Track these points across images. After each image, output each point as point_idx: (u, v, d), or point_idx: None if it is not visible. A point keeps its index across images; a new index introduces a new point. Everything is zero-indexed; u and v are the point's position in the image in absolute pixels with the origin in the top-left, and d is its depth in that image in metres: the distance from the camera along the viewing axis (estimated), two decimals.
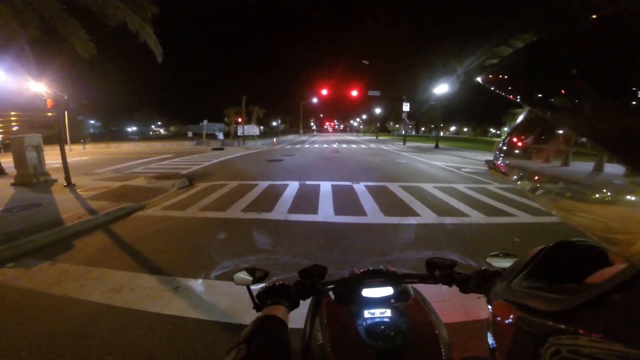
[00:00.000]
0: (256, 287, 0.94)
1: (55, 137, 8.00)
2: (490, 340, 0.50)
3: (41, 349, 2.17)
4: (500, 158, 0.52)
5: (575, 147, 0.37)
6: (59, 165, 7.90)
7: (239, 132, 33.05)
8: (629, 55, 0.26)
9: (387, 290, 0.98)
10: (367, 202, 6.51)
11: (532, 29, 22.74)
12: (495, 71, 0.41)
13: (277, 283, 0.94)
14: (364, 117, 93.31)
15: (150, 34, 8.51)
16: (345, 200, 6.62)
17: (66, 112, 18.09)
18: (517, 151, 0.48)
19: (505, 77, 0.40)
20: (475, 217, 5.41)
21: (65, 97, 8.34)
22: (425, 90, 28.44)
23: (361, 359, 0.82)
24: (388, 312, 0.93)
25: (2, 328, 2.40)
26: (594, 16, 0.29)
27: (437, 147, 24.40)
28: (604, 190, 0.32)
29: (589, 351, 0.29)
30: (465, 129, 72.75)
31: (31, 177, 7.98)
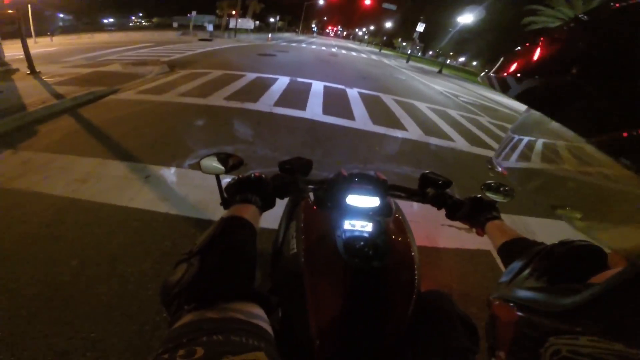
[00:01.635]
0: (228, 179, 0.77)
1: (17, 32, 6.55)
2: (490, 339, 0.50)
3: (2, 256, 1.90)
4: (501, 158, 0.52)
5: (576, 147, 0.36)
6: (22, 56, 6.67)
7: (231, 25, 28.98)
8: (630, 54, 0.25)
9: (373, 201, 0.87)
10: (358, 107, 6.26)
11: None
12: (495, 71, 0.40)
13: (252, 175, 0.77)
14: (372, 28, 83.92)
15: None
16: (335, 103, 6.30)
17: (29, 7, 15.17)
18: (517, 151, 0.47)
19: (505, 77, 0.37)
20: (460, 143, 5.39)
21: None
22: (446, 15, 25.21)
23: (335, 276, 0.74)
24: (369, 227, 0.84)
25: None
26: (595, 16, 0.29)
27: (440, 72, 22.98)
28: (604, 191, 0.31)
29: (589, 351, 0.29)
30: (474, 63, 68.07)
31: None
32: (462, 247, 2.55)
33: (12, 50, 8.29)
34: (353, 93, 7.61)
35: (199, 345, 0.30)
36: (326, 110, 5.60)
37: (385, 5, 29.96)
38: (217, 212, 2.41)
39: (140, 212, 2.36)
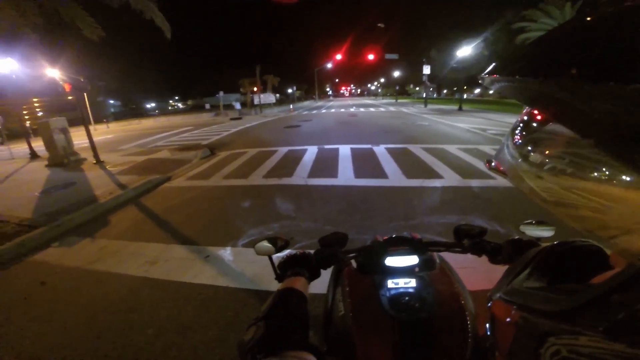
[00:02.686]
0: (278, 257, 0.91)
1: (79, 119, 8.26)
2: (490, 339, 0.50)
3: (89, 325, 2.30)
4: (501, 158, 0.52)
5: (577, 148, 0.35)
6: (86, 144, 8.16)
7: (256, 101, 32.80)
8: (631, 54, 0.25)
9: (412, 259, 0.93)
10: (388, 164, 6.38)
11: None
12: (494, 71, 0.40)
13: (297, 252, 0.91)
14: (382, 80, 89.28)
15: (155, 10, 8.27)
16: (365, 163, 6.51)
17: (86, 94, 18.57)
18: (517, 151, 0.47)
19: (506, 77, 0.38)
20: (502, 180, 5.11)
21: (82, 80, 8.43)
22: (449, 53, 26.59)
23: (384, 331, 0.79)
24: (413, 282, 0.89)
25: (53, 307, 2.56)
26: (596, 16, 0.29)
27: (460, 109, 23.10)
28: (604, 191, 0.31)
29: (589, 351, 0.29)
30: (491, 92, 68.22)
31: (62, 157, 8.32)
32: None
33: (77, 137, 9.78)
34: (380, 150, 7.86)
35: None
36: (358, 173, 5.80)
37: (388, 55, 32.07)
38: (271, 284, 2.62)
39: (203, 287, 2.65)
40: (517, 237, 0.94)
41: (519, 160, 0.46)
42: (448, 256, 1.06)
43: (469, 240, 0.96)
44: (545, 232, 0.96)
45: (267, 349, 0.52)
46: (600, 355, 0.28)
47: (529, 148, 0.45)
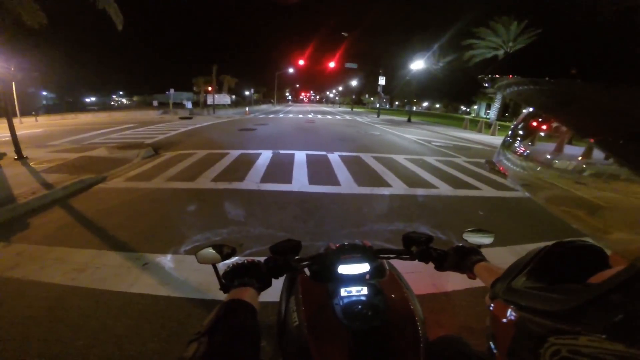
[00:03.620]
0: (226, 264, 0.86)
1: (2, 111, 7.05)
2: (490, 340, 0.50)
3: (8, 337, 2.00)
4: (501, 159, 0.52)
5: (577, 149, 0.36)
6: (7, 138, 7.01)
7: (209, 101, 31.32)
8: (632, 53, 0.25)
9: (364, 267, 0.95)
10: (341, 171, 6.52)
11: (512, 12, 23.14)
12: (494, 71, 0.40)
13: (246, 261, 0.86)
14: (340, 88, 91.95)
15: (110, 1, 7.49)
16: (319, 170, 6.57)
17: (14, 84, 16.09)
18: (517, 152, 0.48)
19: (506, 77, 0.38)
20: (444, 189, 5.62)
21: (12, 69, 7.28)
22: (402, 66, 28.47)
23: (339, 341, 0.80)
24: (364, 290, 0.91)
25: None
26: (596, 17, 0.29)
27: (409, 120, 24.78)
28: (605, 191, 0.31)
29: (589, 351, 0.29)
30: (437, 105, 74.60)
31: None
32: (472, 286, 2.52)
33: None
34: (334, 157, 8.01)
35: None
36: (312, 180, 5.82)
37: (348, 64, 33.26)
38: (218, 293, 2.39)
39: (142, 297, 2.44)
40: (460, 245, 1.01)
41: (519, 160, 0.46)
42: (396, 261, 1.10)
43: (417, 247, 1.01)
44: (485, 239, 1.04)
45: None
46: (600, 355, 0.28)
47: (529, 149, 0.45)
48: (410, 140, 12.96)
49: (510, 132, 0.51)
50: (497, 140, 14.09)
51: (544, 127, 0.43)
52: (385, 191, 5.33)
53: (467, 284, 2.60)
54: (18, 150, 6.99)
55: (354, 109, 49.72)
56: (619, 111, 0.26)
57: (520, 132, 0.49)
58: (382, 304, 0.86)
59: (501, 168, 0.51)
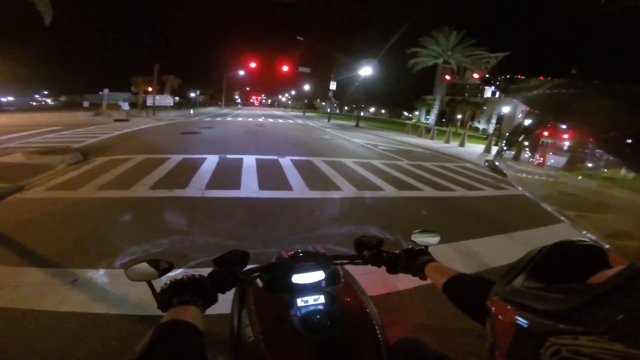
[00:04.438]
0: (162, 282, 0.77)
1: None
2: (490, 340, 0.50)
3: None
4: (501, 159, 0.52)
5: (577, 148, 0.37)
6: None
7: (149, 102, 28.77)
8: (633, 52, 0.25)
9: (319, 275, 0.93)
10: (293, 176, 6.46)
11: (453, 24, 25.72)
12: (495, 71, 0.40)
13: (184, 277, 0.78)
14: (293, 93, 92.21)
15: None
16: (270, 175, 6.43)
17: None
18: (517, 151, 0.48)
19: (506, 77, 0.38)
20: (390, 191, 5.92)
21: None
22: (351, 72, 29.56)
23: (298, 354, 0.75)
24: (321, 299, 0.88)
25: None
26: (596, 16, 0.29)
27: (357, 125, 25.80)
28: (605, 191, 0.32)
29: (589, 351, 0.29)
30: (383, 111, 79.22)
31: None
32: (422, 284, 2.66)
33: None
34: (286, 162, 7.92)
35: None
36: (262, 185, 5.66)
37: (301, 69, 33.54)
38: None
39: (74, 315, 2.21)
40: (410, 247, 1.02)
41: (520, 161, 0.46)
42: (352, 268, 1.09)
43: (369, 251, 1.01)
44: (432, 239, 1.06)
45: None
46: (600, 355, 0.28)
47: (529, 149, 0.45)
48: (358, 144, 13.47)
49: (510, 133, 0.51)
50: (436, 144, 15.42)
51: (544, 128, 0.43)
52: (336, 194, 5.42)
53: (417, 282, 2.77)
54: None
55: (306, 113, 50.21)
56: (619, 111, 0.26)
57: (520, 133, 0.49)
58: (339, 312, 0.85)
59: (502, 169, 0.51)
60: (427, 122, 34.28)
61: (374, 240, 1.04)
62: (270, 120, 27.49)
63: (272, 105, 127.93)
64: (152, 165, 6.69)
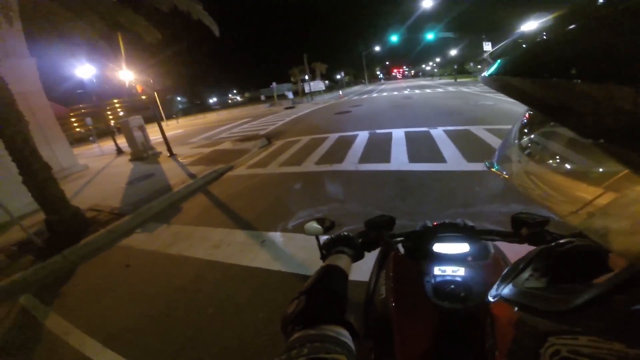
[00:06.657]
0: (325, 238, 0.93)
1: (153, 116, 9.40)
2: (490, 339, 0.50)
3: (164, 303, 2.61)
4: (501, 159, 0.52)
5: (577, 148, 0.35)
6: (160, 139, 9.22)
7: (306, 89, 33.29)
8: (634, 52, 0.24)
9: (463, 247, 0.89)
10: (447, 147, 5.93)
11: None
12: (496, 71, 0.38)
13: (342, 234, 0.91)
14: (438, 60, 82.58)
15: (201, 11, 8.59)
16: (421, 147, 6.17)
17: (156, 93, 20.44)
18: (517, 151, 0.47)
19: (506, 77, 0.36)
20: None
21: (151, 81, 9.34)
22: (508, 22, 23.34)
23: (424, 318, 0.76)
24: (461, 271, 0.85)
25: (135, 286, 2.96)
26: (595, 15, 0.28)
27: None
28: (605, 191, 0.30)
29: (589, 351, 0.29)
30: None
31: (141, 152, 9.57)
32: None
33: (152, 133, 10.96)
34: (438, 133, 7.33)
35: (305, 347, 0.45)
36: (412, 158, 5.54)
37: (444, 34, 29.54)
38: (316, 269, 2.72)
39: (259, 271, 2.83)
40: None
41: (522, 161, 0.45)
42: (506, 247, 0.97)
43: (528, 230, 0.87)
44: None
45: (305, 322, 0.56)
46: (600, 355, 0.28)
47: (529, 149, 0.44)
48: None
49: (509, 133, 0.50)
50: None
51: (544, 127, 0.42)
52: None
53: None
54: (169, 149, 9.10)
55: (458, 79, 43.94)
56: (619, 111, 0.24)
57: (523, 132, 0.47)
58: (478, 286, 0.79)
59: (504, 172, 0.50)
60: None
61: (537, 218, 0.87)
62: (417, 91, 25.82)
63: (416, 76, 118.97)
64: (315, 144, 7.85)
